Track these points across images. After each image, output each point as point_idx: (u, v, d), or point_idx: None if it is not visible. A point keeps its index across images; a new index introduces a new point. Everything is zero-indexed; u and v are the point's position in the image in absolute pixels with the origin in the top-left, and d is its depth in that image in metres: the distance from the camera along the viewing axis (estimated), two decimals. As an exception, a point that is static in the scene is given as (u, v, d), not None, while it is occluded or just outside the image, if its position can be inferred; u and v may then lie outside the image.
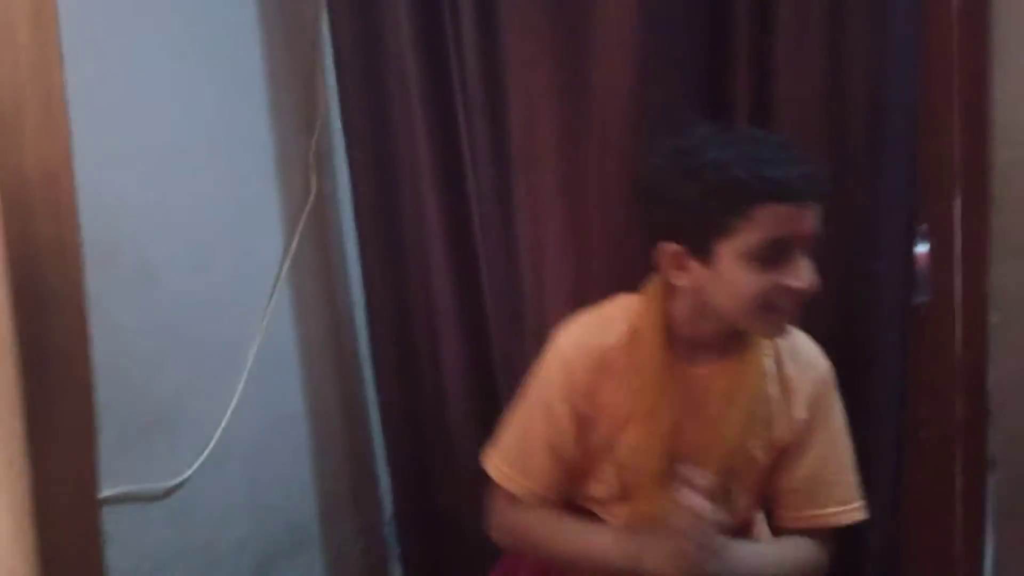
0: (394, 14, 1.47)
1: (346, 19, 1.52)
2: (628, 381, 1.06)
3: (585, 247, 1.39)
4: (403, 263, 1.57)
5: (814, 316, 1.06)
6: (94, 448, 1.00)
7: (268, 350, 1.47)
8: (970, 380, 1.34)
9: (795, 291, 0.96)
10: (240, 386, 1.41)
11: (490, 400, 1.54)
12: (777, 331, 1.02)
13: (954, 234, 1.33)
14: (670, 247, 1.00)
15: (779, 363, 1.08)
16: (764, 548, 1.12)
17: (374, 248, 1.58)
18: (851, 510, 1.09)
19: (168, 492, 1.28)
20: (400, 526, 1.68)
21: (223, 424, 1.37)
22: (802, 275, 0.95)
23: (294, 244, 1.54)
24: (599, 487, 1.12)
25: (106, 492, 1.11)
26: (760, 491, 1.12)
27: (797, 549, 1.09)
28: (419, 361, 1.60)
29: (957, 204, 1.32)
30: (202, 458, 1.33)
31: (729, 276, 0.96)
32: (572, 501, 1.14)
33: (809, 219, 0.95)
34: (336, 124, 1.58)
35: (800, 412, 1.08)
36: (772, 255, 0.94)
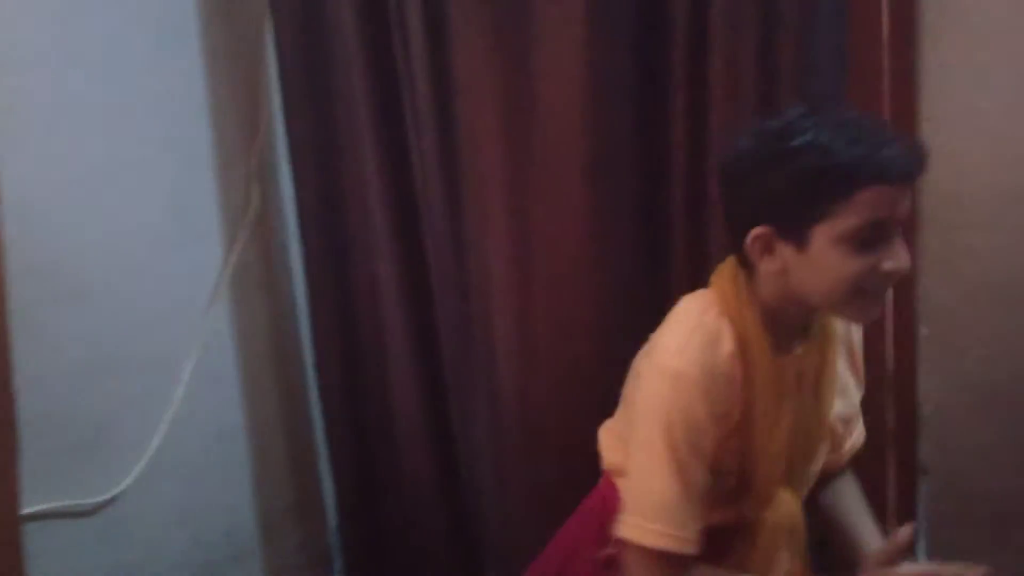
0: (339, 22, 1.46)
1: (289, 26, 1.50)
2: (746, 386, 0.99)
3: (533, 258, 1.40)
4: (349, 275, 1.56)
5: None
6: (16, 464, 0.99)
7: (207, 364, 1.45)
8: (901, 391, 1.37)
9: (892, 273, 0.92)
10: (177, 401, 1.39)
11: (437, 413, 1.54)
12: (869, 315, 0.98)
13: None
14: (759, 231, 0.94)
15: (846, 328, 1.09)
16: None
17: (319, 260, 1.57)
18: (861, 431, 1.15)
19: (97, 508, 1.26)
20: (344, 538, 1.67)
21: (158, 439, 1.35)
22: (900, 256, 0.91)
23: (234, 256, 1.52)
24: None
25: (30, 508, 1.09)
26: None
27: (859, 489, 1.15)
28: (365, 373, 1.59)
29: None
30: (135, 474, 1.31)
31: (823, 260, 0.91)
32: None
33: (907, 199, 0.91)
34: (281, 134, 1.57)
35: (860, 363, 1.12)
36: (871, 238, 0.90)
